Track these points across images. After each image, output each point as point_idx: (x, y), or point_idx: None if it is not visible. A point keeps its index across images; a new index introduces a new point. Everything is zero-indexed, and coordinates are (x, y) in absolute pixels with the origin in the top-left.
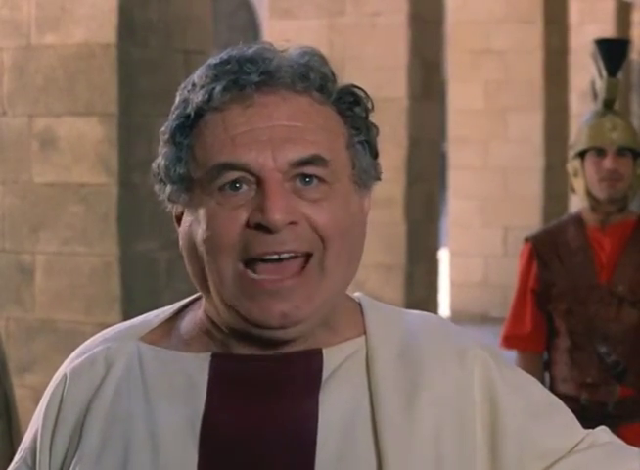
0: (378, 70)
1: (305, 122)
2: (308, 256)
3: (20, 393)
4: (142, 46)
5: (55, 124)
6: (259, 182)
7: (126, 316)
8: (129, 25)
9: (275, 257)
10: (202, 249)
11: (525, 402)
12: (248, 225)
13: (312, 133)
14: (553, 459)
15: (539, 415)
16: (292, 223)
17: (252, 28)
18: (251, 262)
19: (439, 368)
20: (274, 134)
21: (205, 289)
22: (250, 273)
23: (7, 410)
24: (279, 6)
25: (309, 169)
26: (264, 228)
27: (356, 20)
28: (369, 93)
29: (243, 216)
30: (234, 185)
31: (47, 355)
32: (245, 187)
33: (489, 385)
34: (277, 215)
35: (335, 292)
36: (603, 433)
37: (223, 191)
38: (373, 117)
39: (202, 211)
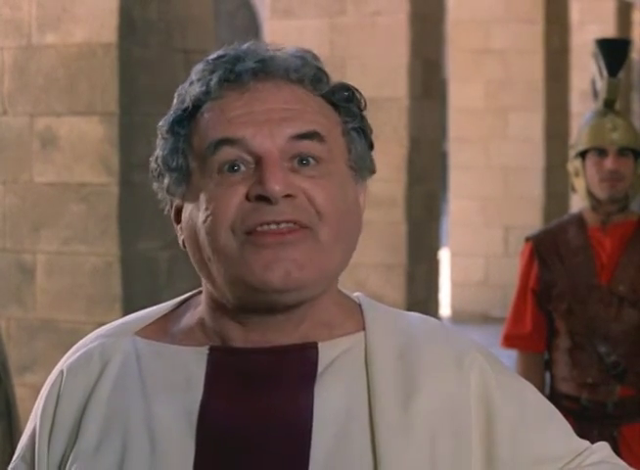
0: (378, 69)
1: (302, 105)
2: (306, 229)
3: (20, 392)
4: (143, 46)
5: (56, 124)
6: (257, 161)
7: None
8: (130, 25)
9: (274, 226)
10: (202, 231)
11: (520, 409)
12: (247, 199)
13: (309, 114)
14: (547, 466)
15: (534, 422)
16: (290, 196)
17: (253, 28)
18: (251, 234)
19: (437, 373)
20: (271, 115)
21: (208, 273)
22: (252, 239)
23: (8, 410)
24: (280, 6)
25: (307, 145)
26: (264, 200)
27: (357, 19)
28: (370, 93)
29: (242, 191)
30: (232, 167)
31: (48, 355)
32: (243, 168)
33: (486, 391)
34: (276, 186)
35: (333, 267)
36: (600, 449)
37: (222, 173)
38: (370, 119)
39: (202, 196)
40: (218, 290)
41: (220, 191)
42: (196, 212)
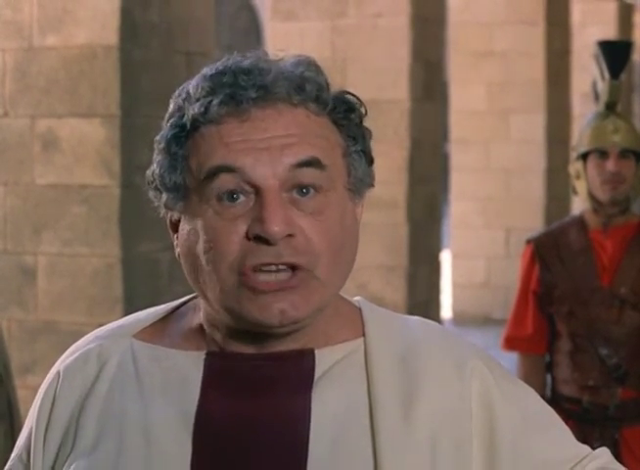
0: (380, 71)
1: (303, 130)
2: (304, 271)
3: (22, 394)
4: (144, 48)
5: (57, 126)
6: (257, 192)
7: None
8: (131, 27)
9: (273, 268)
10: (202, 259)
11: (521, 415)
12: (247, 237)
13: (310, 137)
14: None
15: (535, 428)
16: (289, 235)
17: (254, 30)
18: (249, 274)
19: (439, 379)
20: (271, 143)
21: (204, 294)
22: (249, 283)
23: (9, 411)
24: (281, 8)
25: (307, 173)
26: (263, 239)
27: (358, 21)
28: (371, 95)
29: (242, 228)
30: (231, 196)
31: (49, 357)
32: (242, 198)
33: (487, 397)
34: (275, 227)
35: (329, 296)
36: (600, 455)
37: (221, 202)
38: (371, 121)
39: (200, 222)
40: (214, 309)
41: (220, 223)
42: (194, 237)
